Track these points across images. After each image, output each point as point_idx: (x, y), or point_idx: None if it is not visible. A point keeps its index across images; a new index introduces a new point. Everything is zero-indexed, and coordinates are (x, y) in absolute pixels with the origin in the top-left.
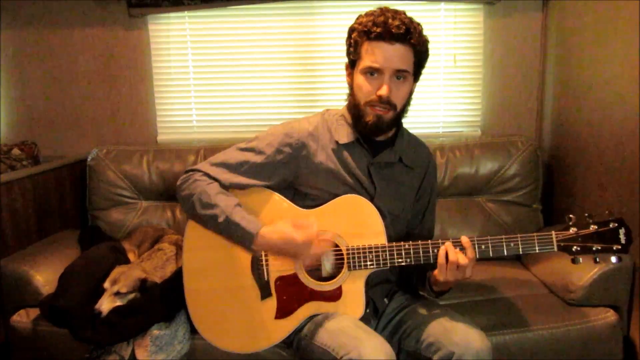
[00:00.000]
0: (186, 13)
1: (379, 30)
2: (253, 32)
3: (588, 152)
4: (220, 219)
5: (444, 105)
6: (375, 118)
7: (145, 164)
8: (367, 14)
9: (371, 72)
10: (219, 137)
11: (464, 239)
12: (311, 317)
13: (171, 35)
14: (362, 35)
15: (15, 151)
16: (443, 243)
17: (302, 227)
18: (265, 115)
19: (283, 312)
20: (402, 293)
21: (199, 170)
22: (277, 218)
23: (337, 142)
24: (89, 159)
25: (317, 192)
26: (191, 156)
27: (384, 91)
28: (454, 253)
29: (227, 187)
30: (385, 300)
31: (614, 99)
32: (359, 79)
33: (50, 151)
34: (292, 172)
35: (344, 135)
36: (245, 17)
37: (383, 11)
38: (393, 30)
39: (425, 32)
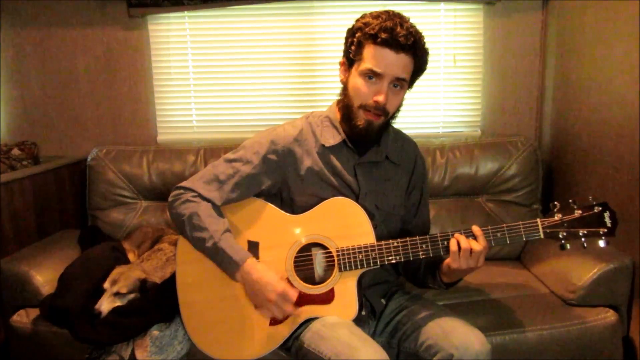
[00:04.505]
0: (186, 13)
1: (386, 36)
2: (253, 32)
3: (588, 152)
4: (208, 244)
5: (444, 105)
6: (366, 123)
7: (145, 164)
8: (372, 16)
9: (370, 75)
10: (219, 137)
11: (475, 229)
12: (306, 321)
13: (171, 36)
14: (367, 37)
15: (15, 151)
16: (432, 240)
17: (284, 282)
18: (265, 115)
19: (277, 318)
20: (401, 294)
21: (190, 190)
22: (267, 225)
23: (322, 145)
24: (89, 159)
25: (304, 197)
26: (191, 156)
27: (382, 98)
28: (466, 241)
29: (220, 205)
30: (383, 301)
31: (614, 99)
32: (357, 80)
33: (50, 151)
34: (279, 178)
35: (330, 137)
36: (245, 17)
37: (390, 16)
38: (401, 40)
39: (425, 33)
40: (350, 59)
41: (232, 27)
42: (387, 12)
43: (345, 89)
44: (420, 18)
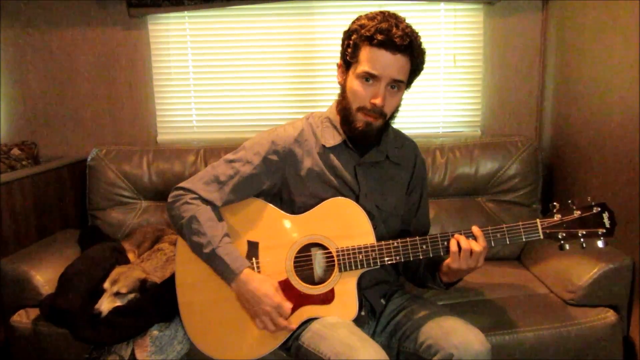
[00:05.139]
0: (186, 13)
1: (382, 37)
2: (253, 32)
3: (588, 152)
4: (206, 250)
5: (444, 105)
6: (365, 125)
7: (145, 164)
8: (368, 17)
9: (367, 78)
10: (219, 137)
11: (475, 229)
12: (306, 322)
13: (171, 35)
14: (363, 39)
15: (15, 151)
16: (432, 240)
17: (280, 294)
18: (265, 115)
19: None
20: (401, 294)
21: (190, 191)
22: (267, 225)
23: (323, 146)
24: (89, 159)
25: (304, 198)
26: (191, 156)
27: (379, 100)
28: (466, 241)
29: (220, 206)
30: (382, 301)
31: (614, 99)
32: (354, 82)
33: (50, 151)
34: (279, 178)
35: (330, 138)
36: (245, 17)
37: (386, 17)
38: (397, 41)
39: (425, 33)
40: (347, 61)
41: (232, 27)
42: (382, 12)
43: (343, 91)
44: (420, 18)
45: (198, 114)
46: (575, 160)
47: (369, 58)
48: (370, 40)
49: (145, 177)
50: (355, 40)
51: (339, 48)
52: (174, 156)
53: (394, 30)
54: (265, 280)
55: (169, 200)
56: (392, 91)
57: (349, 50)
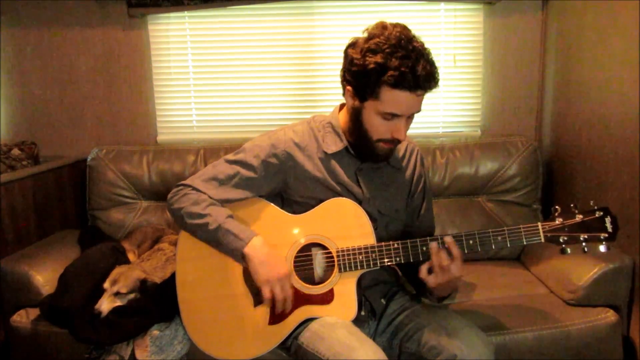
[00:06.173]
0: (186, 13)
1: (406, 83)
2: (253, 32)
3: (588, 152)
4: (212, 227)
5: (444, 105)
6: (388, 152)
7: (145, 164)
8: (384, 52)
9: (389, 117)
10: (219, 137)
11: (447, 239)
12: (305, 321)
13: (171, 35)
14: (385, 83)
15: (15, 151)
16: (431, 241)
17: (282, 264)
18: (265, 115)
19: (276, 317)
20: (402, 294)
21: (188, 186)
22: (267, 224)
23: (324, 151)
24: (89, 159)
25: (305, 199)
26: (191, 156)
27: (401, 136)
28: (437, 256)
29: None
30: (383, 301)
31: (614, 99)
32: (374, 118)
33: (50, 151)
34: (280, 182)
35: (332, 144)
36: (245, 17)
37: (406, 51)
38: (421, 83)
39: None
40: (362, 92)
41: (232, 27)
42: (399, 40)
43: (356, 118)
44: (420, 18)
45: (198, 114)
46: (575, 160)
47: (392, 100)
48: (393, 86)
49: (145, 177)
50: (375, 78)
51: (340, 48)
52: (174, 156)
53: (418, 70)
54: (272, 248)
55: (168, 197)
56: (410, 119)
57: (367, 88)
